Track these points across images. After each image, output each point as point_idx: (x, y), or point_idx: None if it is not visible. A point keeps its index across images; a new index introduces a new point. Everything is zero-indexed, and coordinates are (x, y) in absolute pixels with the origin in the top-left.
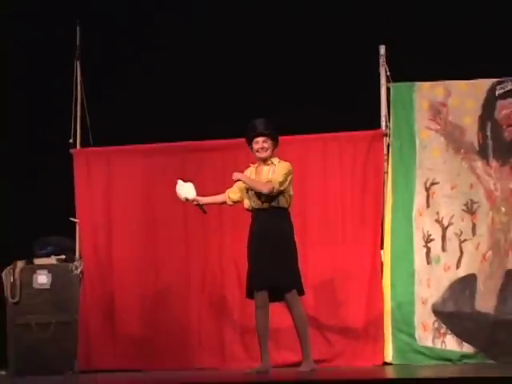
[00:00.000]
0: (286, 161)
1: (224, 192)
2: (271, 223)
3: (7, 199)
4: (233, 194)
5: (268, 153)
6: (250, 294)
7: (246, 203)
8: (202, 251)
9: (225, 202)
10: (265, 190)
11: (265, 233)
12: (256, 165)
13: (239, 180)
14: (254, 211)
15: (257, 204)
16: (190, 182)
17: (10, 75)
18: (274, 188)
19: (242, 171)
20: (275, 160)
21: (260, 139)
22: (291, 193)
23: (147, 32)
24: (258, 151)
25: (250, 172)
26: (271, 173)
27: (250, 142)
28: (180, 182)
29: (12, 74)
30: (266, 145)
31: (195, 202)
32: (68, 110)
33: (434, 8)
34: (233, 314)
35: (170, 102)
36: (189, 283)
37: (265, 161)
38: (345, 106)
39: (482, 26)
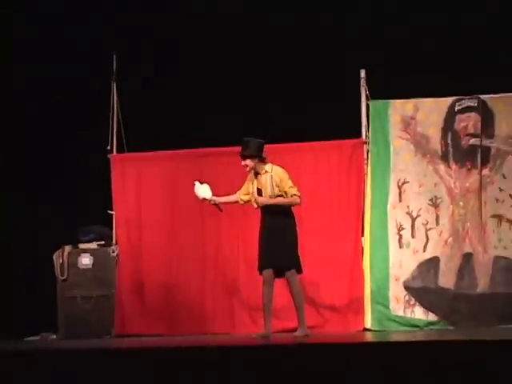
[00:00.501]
0: (278, 165)
1: (235, 192)
2: (277, 218)
3: (56, 195)
4: (243, 195)
5: (250, 167)
6: (260, 271)
7: (254, 204)
8: (215, 239)
9: (237, 202)
10: (295, 203)
11: (272, 226)
12: (252, 175)
13: (264, 203)
14: (263, 208)
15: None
16: (206, 183)
17: (61, 96)
18: (299, 197)
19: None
20: (268, 167)
21: (242, 161)
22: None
23: (168, 56)
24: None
25: (252, 183)
26: (269, 179)
27: None
28: (197, 183)
29: (62, 95)
30: (246, 163)
31: (212, 202)
32: (106, 123)
33: (405, 37)
34: (241, 290)
35: (189, 115)
36: (205, 265)
37: (258, 171)
38: (332, 119)
39: (444, 52)
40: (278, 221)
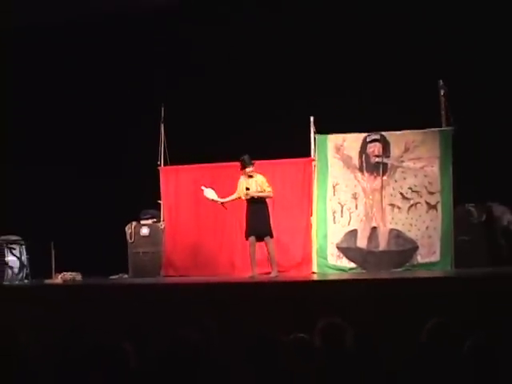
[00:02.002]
0: (260, 173)
1: (233, 192)
2: (257, 204)
3: (128, 192)
4: (239, 192)
5: (244, 173)
6: (246, 238)
7: (243, 197)
8: (222, 218)
9: (235, 198)
10: (269, 196)
11: (254, 209)
12: (244, 177)
13: (251, 196)
14: (249, 200)
15: (250, 197)
16: (211, 188)
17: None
18: (271, 192)
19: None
20: (254, 174)
21: (240, 169)
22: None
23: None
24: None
25: (245, 182)
26: (254, 181)
27: None
28: (203, 188)
29: (124, 132)
30: (242, 171)
31: (219, 202)
32: (157, 148)
33: (342, 92)
34: (237, 249)
35: (209, 140)
36: (216, 235)
37: (249, 175)
38: (294, 146)
39: (360, 103)
40: (257, 206)
